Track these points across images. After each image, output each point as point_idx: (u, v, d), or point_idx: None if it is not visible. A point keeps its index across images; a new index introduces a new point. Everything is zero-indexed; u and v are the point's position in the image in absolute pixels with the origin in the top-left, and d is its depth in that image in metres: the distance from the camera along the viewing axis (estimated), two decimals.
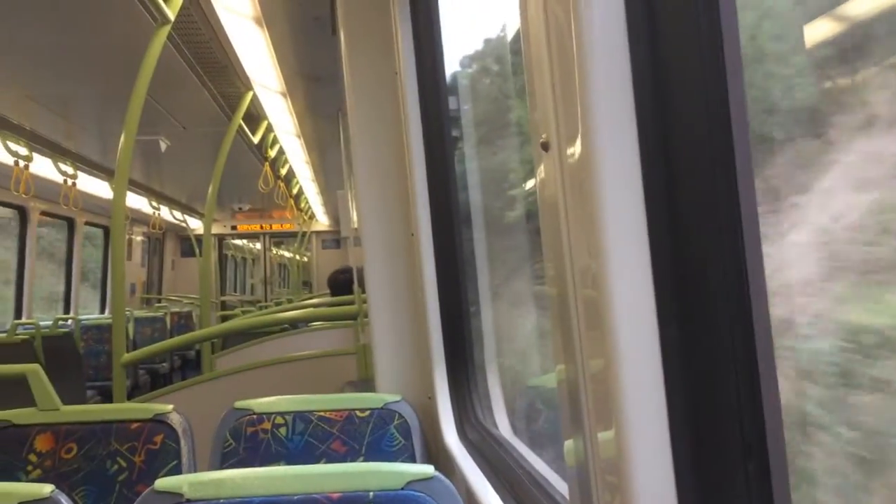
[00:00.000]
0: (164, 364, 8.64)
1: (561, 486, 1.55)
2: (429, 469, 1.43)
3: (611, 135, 0.85)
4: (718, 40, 0.77)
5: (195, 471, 2.10)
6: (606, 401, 0.88)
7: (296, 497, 1.36)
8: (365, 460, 2.15)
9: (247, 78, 5.56)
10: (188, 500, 1.34)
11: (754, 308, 0.79)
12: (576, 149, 0.89)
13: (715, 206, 0.80)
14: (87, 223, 9.29)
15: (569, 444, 1.03)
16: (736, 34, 0.78)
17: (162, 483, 1.36)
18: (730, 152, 0.78)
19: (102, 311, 10.14)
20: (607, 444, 0.89)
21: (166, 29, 3.94)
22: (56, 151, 7.10)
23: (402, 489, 1.38)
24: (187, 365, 9.78)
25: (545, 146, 0.97)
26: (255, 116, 6.81)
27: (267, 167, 7.79)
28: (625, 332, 0.85)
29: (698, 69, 0.79)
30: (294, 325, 5.41)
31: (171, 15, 3.89)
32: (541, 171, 1.02)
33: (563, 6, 0.88)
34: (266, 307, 9.36)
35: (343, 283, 5.67)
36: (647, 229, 0.85)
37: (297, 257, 15.89)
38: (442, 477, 1.42)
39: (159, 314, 9.41)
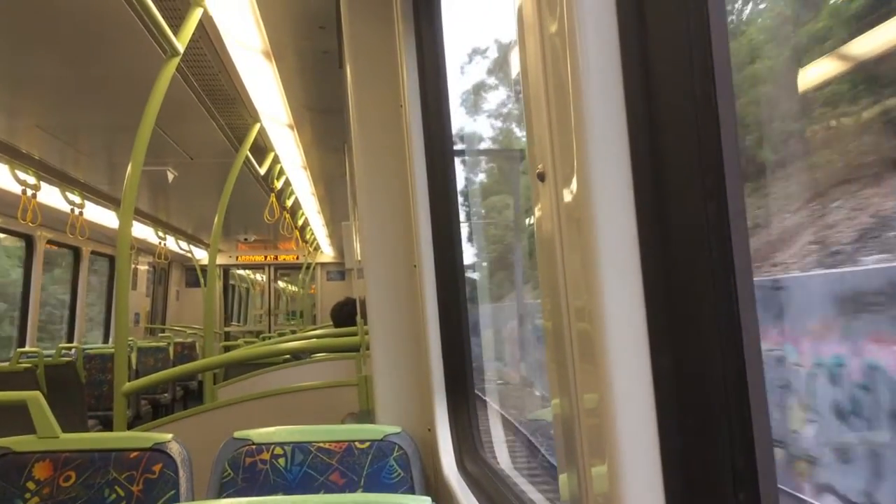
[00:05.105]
0: (165, 395, 8.60)
1: None
2: (425, 500, 1.42)
3: (605, 167, 0.86)
4: (711, 78, 0.79)
5: (193, 500, 2.08)
6: (600, 435, 0.88)
7: None
8: (364, 492, 2.14)
9: (254, 110, 5.62)
10: None
11: (745, 341, 0.79)
12: (571, 180, 0.90)
13: (707, 241, 0.81)
14: (93, 252, 9.32)
15: (563, 478, 1.03)
16: (728, 71, 0.80)
17: None
18: (721, 189, 0.79)
19: (106, 341, 10.13)
20: (601, 479, 0.89)
21: (175, 61, 3.98)
22: (64, 181, 7.16)
23: None
24: (189, 395, 9.73)
25: (541, 177, 0.98)
26: (261, 148, 6.87)
27: (273, 198, 7.84)
28: (618, 365, 0.85)
29: (691, 105, 0.81)
30: (297, 356, 5.39)
31: (181, 48, 3.94)
32: (537, 201, 1.03)
33: (560, 42, 0.90)
34: (269, 338, 9.35)
35: (346, 314, 5.66)
36: (640, 262, 0.86)
37: (301, 289, 15.91)
38: None
39: (162, 344, 9.39)
